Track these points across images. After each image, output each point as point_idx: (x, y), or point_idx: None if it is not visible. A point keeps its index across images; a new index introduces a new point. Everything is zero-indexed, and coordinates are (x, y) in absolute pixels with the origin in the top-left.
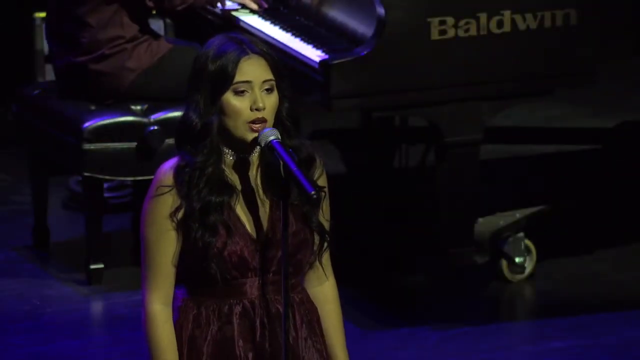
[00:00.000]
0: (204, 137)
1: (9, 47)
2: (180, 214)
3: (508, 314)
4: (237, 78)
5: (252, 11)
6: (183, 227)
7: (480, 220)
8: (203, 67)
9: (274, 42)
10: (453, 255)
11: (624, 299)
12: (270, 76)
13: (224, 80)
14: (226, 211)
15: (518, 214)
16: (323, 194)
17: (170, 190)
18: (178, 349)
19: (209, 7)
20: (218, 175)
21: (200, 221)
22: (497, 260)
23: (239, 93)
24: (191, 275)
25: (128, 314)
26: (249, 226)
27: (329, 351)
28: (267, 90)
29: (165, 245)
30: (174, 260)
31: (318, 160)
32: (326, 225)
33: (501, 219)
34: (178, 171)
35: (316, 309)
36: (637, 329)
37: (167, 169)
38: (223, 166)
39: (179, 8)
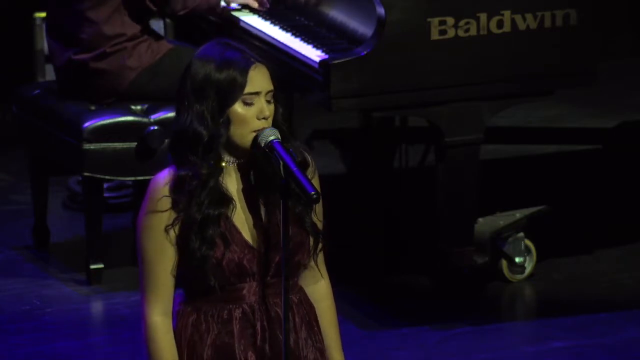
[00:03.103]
0: (211, 149)
1: (9, 47)
2: (177, 226)
3: (508, 314)
4: (248, 89)
5: (253, 11)
6: (181, 239)
7: (480, 220)
8: (207, 77)
9: (274, 42)
10: (453, 255)
11: (624, 299)
12: (272, 86)
13: (234, 90)
14: (223, 222)
15: (518, 214)
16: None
17: (166, 203)
18: (178, 355)
19: (209, 15)
20: (217, 186)
21: (198, 233)
22: (497, 260)
23: (247, 104)
24: (189, 282)
25: (128, 314)
26: (245, 233)
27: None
28: (268, 100)
29: (164, 258)
30: (173, 271)
31: (310, 162)
32: (319, 225)
33: (501, 219)
34: (176, 182)
35: (314, 307)
36: (637, 329)
37: (161, 182)
38: (221, 176)
39: (180, 13)
